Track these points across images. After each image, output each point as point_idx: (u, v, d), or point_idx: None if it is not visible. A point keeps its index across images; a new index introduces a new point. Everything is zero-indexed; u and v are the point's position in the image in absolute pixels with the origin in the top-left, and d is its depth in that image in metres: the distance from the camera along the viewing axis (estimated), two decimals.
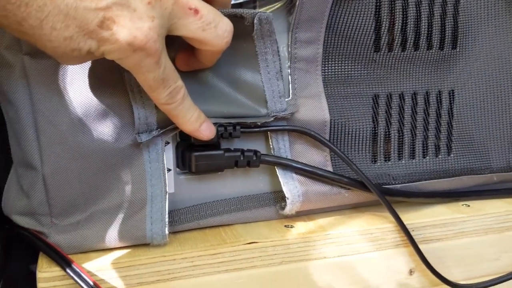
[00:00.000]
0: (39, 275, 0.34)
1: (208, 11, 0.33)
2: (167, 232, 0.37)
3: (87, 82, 0.35)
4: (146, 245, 0.37)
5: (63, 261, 0.34)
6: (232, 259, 0.38)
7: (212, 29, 0.33)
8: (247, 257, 0.38)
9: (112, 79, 0.36)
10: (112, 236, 0.36)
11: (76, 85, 0.35)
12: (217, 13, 0.33)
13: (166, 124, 0.37)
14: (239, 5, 0.39)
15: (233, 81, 0.39)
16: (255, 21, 0.36)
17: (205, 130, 0.37)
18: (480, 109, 0.47)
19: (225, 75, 0.39)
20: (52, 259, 0.35)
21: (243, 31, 0.37)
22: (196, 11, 0.32)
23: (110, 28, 0.29)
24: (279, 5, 0.40)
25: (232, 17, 0.35)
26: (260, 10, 0.39)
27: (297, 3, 0.38)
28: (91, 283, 0.33)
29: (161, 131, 0.37)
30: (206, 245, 0.38)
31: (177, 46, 0.36)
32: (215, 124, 0.38)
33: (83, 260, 0.35)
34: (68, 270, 0.34)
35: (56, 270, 0.34)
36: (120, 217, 0.37)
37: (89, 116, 0.35)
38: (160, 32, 0.31)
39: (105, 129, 0.36)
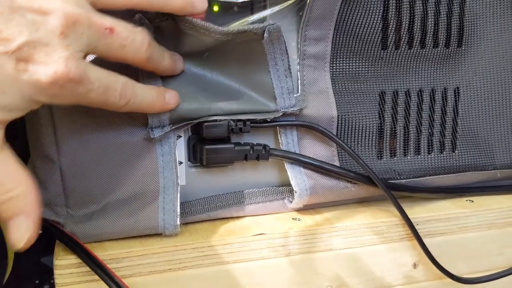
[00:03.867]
0: (56, 262, 0.36)
1: (123, 27, 0.32)
2: (178, 222, 0.38)
3: None
4: (158, 235, 0.38)
5: (79, 249, 0.35)
6: (240, 249, 0.39)
7: (131, 44, 0.32)
8: (255, 248, 0.39)
9: (125, 73, 0.37)
10: (125, 226, 0.37)
11: None
12: (131, 27, 0.33)
13: (178, 120, 0.38)
14: (250, 4, 0.40)
15: (244, 80, 0.40)
16: (265, 34, 0.37)
17: (171, 99, 0.37)
18: (485, 107, 0.48)
19: (236, 74, 0.40)
20: (68, 247, 0.36)
21: (252, 36, 0.38)
22: (112, 30, 0.31)
23: (26, 69, 0.28)
24: (289, 3, 0.41)
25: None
26: (270, 8, 0.40)
27: (307, 2, 0.39)
28: (107, 270, 0.35)
29: (174, 127, 0.38)
30: (216, 236, 0.39)
31: None
32: (226, 120, 0.39)
33: (97, 249, 0.36)
34: (84, 258, 0.35)
35: (72, 258, 0.36)
36: (133, 207, 0.38)
37: (104, 110, 0.36)
38: (79, 56, 0.30)
39: (120, 123, 0.37)
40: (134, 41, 0.33)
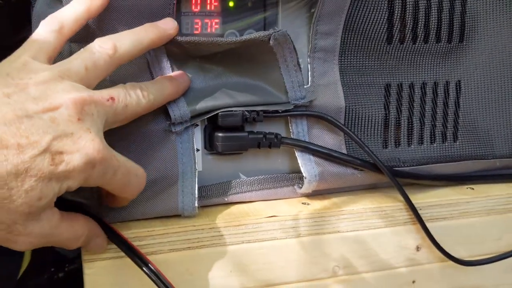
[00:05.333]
0: None
1: (116, 90, 0.35)
2: (196, 204, 0.41)
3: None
4: (178, 216, 0.41)
5: (105, 228, 0.38)
6: (254, 230, 0.41)
7: (130, 101, 0.35)
8: (268, 229, 0.42)
9: (140, 75, 0.39)
10: (148, 207, 0.40)
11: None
12: (121, 86, 0.35)
13: (198, 115, 0.41)
14: (263, 0, 0.43)
15: (257, 75, 0.42)
16: (271, 41, 0.40)
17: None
18: (485, 99, 0.50)
19: (249, 71, 0.42)
20: None
21: (259, 38, 0.40)
22: (112, 98, 0.34)
23: (62, 160, 0.30)
24: (302, 0, 0.43)
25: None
26: (283, 6, 0.43)
27: None
28: (132, 247, 0.37)
29: (193, 121, 0.40)
30: (231, 218, 0.41)
31: None
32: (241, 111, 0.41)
33: (122, 228, 0.39)
34: (111, 236, 0.38)
35: None
36: (155, 190, 0.40)
37: None
38: (101, 136, 0.32)
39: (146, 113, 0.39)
40: (131, 96, 0.35)
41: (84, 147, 0.31)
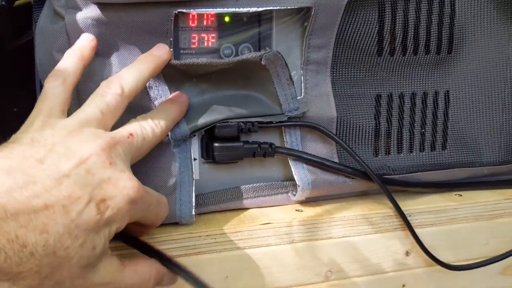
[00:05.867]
0: None
1: (132, 126, 0.36)
2: (193, 213, 0.42)
3: None
4: (175, 223, 0.42)
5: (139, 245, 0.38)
6: (249, 237, 0.43)
7: (148, 130, 0.37)
8: (262, 236, 0.43)
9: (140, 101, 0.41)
10: None
11: None
12: (135, 121, 0.37)
13: (196, 130, 0.42)
14: (257, 16, 0.44)
15: (251, 89, 0.44)
16: (263, 61, 0.41)
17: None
18: (473, 109, 0.51)
19: (244, 86, 0.44)
20: None
21: (252, 59, 0.42)
22: (131, 134, 0.35)
23: (107, 206, 0.31)
24: (295, 16, 0.45)
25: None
26: (277, 21, 0.44)
27: (312, 13, 0.43)
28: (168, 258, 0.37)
29: (192, 135, 0.42)
30: (227, 225, 0.43)
31: None
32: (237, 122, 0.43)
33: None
34: (146, 251, 0.38)
35: None
36: None
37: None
38: (132, 173, 0.34)
39: None
40: (146, 128, 0.37)
41: (124, 188, 0.32)
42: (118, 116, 0.37)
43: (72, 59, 0.37)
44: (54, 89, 0.36)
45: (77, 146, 0.32)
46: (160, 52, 0.40)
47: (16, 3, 0.54)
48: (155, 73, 0.39)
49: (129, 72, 0.38)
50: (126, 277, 0.34)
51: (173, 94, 0.42)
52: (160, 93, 0.42)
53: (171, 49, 0.41)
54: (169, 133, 0.41)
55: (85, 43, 0.38)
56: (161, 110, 0.40)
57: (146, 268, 0.35)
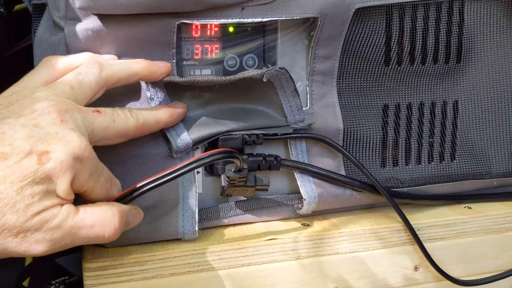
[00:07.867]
0: (85, 265, 0.38)
1: (106, 108, 0.36)
2: (197, 228, 0.41)
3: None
4: (178, 240, 0.41)
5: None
6: (254, 253, 0.42)
7: (121, 116, 0.36)
8: (267, 252, 0.42)
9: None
10: (148, 231, 0.40)
11: None
12: (113, 107, 0.37)
13: (199, 141, 0.41)
14: (262, 26, 0.43)
15: (256, 102, 0.43)
16: (264, 78, 0.40)
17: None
18: (482, 119, 0.50)
19: (248, 98, 0.43)
20: (96, 252, 0.39)
21: (253, 76, 0.40)
22: (98, 111, 0.35)
23: (49, 158, 0.30)
24: (300, 26, 0.44)
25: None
26: (282, 31, 0.43)
27: (318, 24, 0.42)
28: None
29: (195, 146, 0.41)
30: (231, 240, 0.42)
31: None
32: (241, 134, 0.42)
33: (123, 253, 0.39)
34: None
35: (99, 261, 0.38)
36: (155, 214, 0.40)
37: None
38: (86, 137, 0.33)
39: (143, 138, 0.40)
40: (118, 113, 0.36)
41: (70, 142, 0.31)
42: (91, 96, 0.36)
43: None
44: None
45: (32, 104, 0.32)
46: (159, 63, 0.39)
47: (17, 7, 0.54)
48: (147, 76, 0.38)
49: (118, 61, 0.38)
50: (83, 217, 0.32)
51: (172, 103, 0.41)
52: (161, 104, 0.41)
53: (174, 61, 0.40)
54: (171, 145, 0.40)
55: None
56: (148, 109, 0.39)
57: (106, 206, 0.34)
